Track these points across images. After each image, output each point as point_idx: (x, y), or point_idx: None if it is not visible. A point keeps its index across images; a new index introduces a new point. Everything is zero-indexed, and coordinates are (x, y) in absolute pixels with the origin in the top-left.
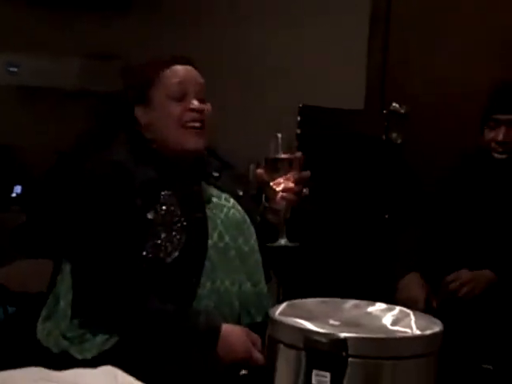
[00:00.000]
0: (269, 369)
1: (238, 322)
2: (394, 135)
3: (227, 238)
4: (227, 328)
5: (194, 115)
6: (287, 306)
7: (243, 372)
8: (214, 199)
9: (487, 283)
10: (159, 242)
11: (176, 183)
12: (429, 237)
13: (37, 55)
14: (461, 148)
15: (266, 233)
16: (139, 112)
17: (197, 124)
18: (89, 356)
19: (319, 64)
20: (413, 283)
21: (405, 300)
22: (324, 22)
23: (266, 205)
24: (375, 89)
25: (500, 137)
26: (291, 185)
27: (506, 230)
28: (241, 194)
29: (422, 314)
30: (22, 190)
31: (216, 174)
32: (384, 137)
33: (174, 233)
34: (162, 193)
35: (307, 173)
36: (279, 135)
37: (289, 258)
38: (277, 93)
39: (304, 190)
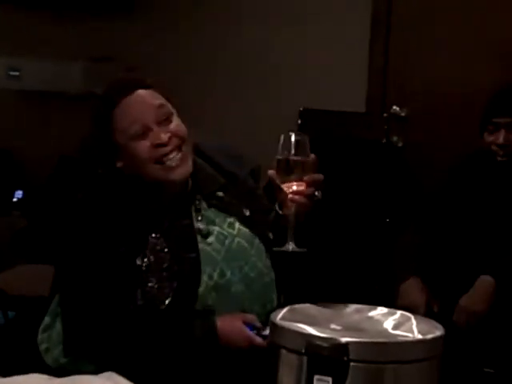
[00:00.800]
0: (271, 374)
1: None
2: (395, 138)
3: (229, 274)
4: (222, 323)
5: (164, 150)
6: (288, 310)
7: None
8: (216, 229)
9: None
10: (150, 289)
11: (164, 222)
12: (429, 240)
13: (38, 58)
14: (461, 150)
15: (280, 240)
16: (112, 157)
17: (170, 157)
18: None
19: (320, 67)
20: (413, 288)
21: (406, 304)
22: (325, 24)
23: (280, 211)
24: (376, 91)
25: (500, 140)
26: (302, 187)
27: (507, 233)
28: (248, 214)
29: (424, 318)
30: (23, 194)
31: (220, 194)
32: (385, 140)
33: (165, 279)
34: (150, 236)
35: (320, 175)
36: (292, 134)
37: (293, 263)
38: (277, 96)
39: (316, 194)
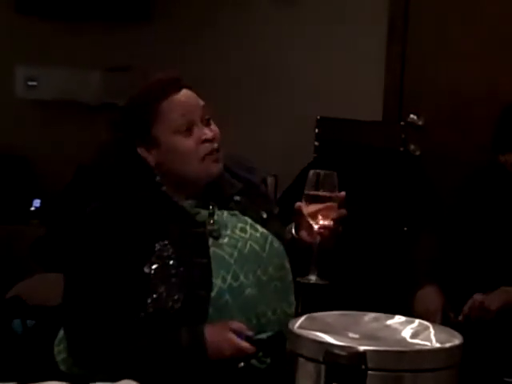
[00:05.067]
0: (288, 382)
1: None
2: (413, 147)
3: (242, 277)
4: (210, 333)
5: (209, 146)
6: (306, 319)
7: (241, 365)
8: (228, 233)
9: (503, 301)
10: (159, 295)
11: (174, 229)
12: (446, 248)
13: (56, 68)
14: (478, 159)
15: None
16: (144, 153)
17: (214, 154)
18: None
19: (337, 76)
20: (430, 295)
21: (422, 313)
22: (341, 32)
23: (296, 236)
24: (393, 100)
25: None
26: (330, 223)
27: None
28: (265, 216)
29: (442, 326)
30: (41, 203)
31: (237, 198)
32: (402, 148)
33: (173, 285)
34: (157, 244)
35: (345, 212)
36: (321, 172)
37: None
38: (295, 105)
39: (340, 229)
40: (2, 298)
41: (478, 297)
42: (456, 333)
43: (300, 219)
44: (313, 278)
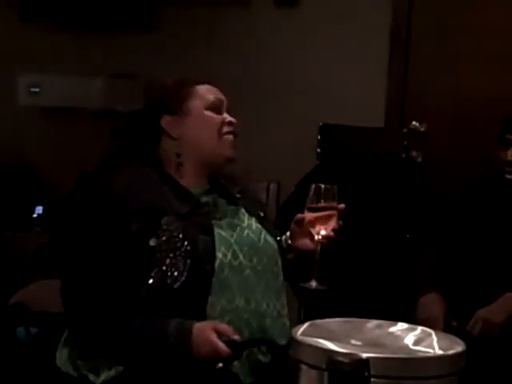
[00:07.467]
0: None
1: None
2: (415, 153)
3: (241, 257)
4: (196, 329)
5: (230, 128)
6: (309, 326)
7: (219, 365)
8: (228, 218)
9: (508, 313)
10: (164, 268)
11: (181, 209)
12: (448, 255)
13: (58, 75)
14: (480, 166)
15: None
16: (168, 122)
17: (231, 136)
18: (106, 378)
19: (340, 82)
20: (432, 302)
21: (424, 320)
22: (344, 39)
23: (290, 242)
24: (395, 106)
25: (509, 156)
26: (330, 233)
27: None
28: (262, 215)
29: (445, 333)
30: (44, 210)
31: (238, 195)
32: (404, 155)
33: (178, 258)
34: (163, 219)
35: (342, 222)
36: (322, 186)
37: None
38: (297, 112)
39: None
40: (5, 304)
41: (481, 313)
42: (459, 340)
43: (301, 229)
44: (313, 283)
